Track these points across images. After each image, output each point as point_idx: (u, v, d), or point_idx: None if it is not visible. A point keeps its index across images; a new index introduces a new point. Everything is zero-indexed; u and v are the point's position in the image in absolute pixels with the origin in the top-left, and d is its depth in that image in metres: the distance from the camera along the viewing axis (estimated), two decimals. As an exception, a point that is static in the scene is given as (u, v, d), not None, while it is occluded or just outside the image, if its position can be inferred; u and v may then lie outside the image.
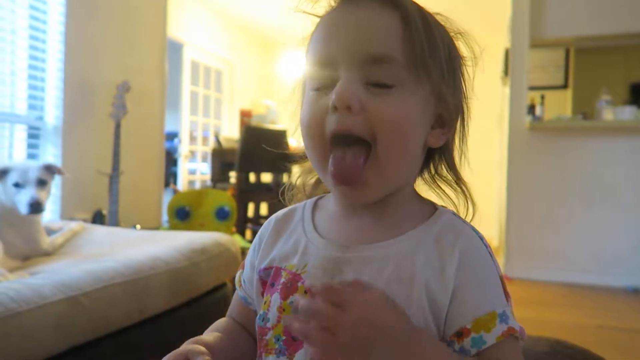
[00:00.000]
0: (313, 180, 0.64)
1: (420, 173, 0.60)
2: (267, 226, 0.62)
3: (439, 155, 0.58)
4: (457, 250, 0.50)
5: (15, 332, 1.10)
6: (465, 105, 0.56)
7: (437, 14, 0.55)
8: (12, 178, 1.61)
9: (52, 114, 2.67)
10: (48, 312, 1.18)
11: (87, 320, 1.29)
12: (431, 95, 0.52)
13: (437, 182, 0.60)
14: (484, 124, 5.20)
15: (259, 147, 3.69)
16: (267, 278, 0.57)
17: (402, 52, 0.49)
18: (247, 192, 3.69)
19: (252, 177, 3.96)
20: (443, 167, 0.59)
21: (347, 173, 0.49)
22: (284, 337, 0.52)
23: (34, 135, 2.63)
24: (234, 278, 0.65)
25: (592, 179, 3.44)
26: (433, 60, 0.51)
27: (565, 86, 4.44)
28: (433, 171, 0.60)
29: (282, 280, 0.54)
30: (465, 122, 0.57)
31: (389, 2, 0.50)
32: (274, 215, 0.63)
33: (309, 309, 0.41)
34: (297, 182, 0.64)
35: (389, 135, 0.48)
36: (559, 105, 4.17)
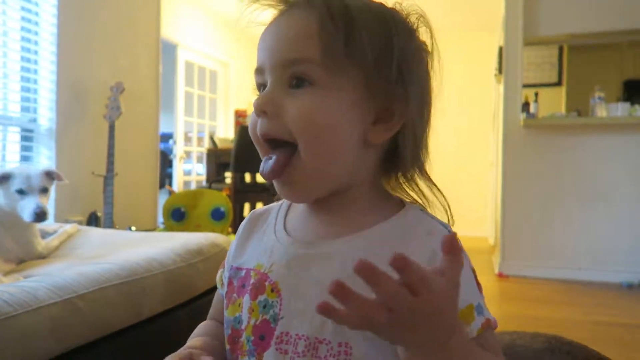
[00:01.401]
0: None
1: (388, 175, 0.57)
2: (243, 224, 0.62)
3: (398, 153, 0.55)
4: (428, 248, 0.49)
5: (10, 336, 1.09)
6: (418, 97, 0.53)
7: (398, 3, 0.54)
8: (16, 184, 1.60)
9: (46, 116, 2.66)
10: (43, 315, 1.17)
11: (82, 323, 1.28)
12: (364, 89, 0.50)
13: (402, 184, 0.57)
14: (478, 122, 5.23)
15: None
16: (235, 278, 0.57)
17: (318, 51, 0.49)
18: (242, 193, 3.69)
19: (247, 177, 3.95)
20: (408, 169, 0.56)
21: (268, 173, 0.51)
22: (252, 338, 0.52)
23: (27, 137, 2.62)
24: None
25: (587, 175, 3.46)
26: (356, 55, 0.50)
27: (559, 83, 4.46)
28: (400, 174, 0.57)
29: (252, 281, 0.54)
30: (425, 114, 0.54)
31: (308, 5, 0.51)
32: (251, 212, 0.64)
33: (384, 291, 0.37)
34: None
35: (304, 134, 0.49)
36: (553, 103, 4.19)
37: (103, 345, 1.35)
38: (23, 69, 2.58)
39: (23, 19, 2.56)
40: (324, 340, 0.48)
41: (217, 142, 4.67)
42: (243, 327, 0.53)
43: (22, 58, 2.57)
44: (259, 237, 0.59)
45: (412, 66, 0.52)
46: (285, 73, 0.51)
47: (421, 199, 0.56)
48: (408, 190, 0.57)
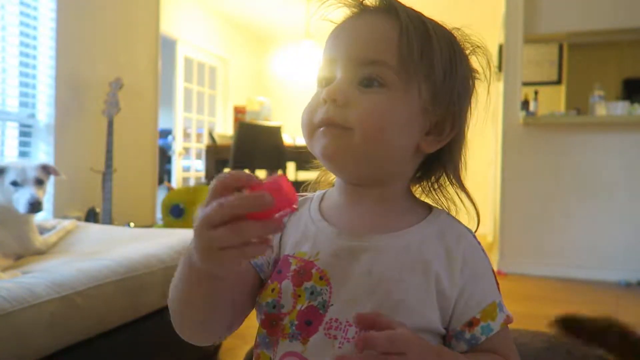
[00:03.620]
0: (332, 177, 0.67)
1: (419, 180, 0.63)
2: None
3: (439, 163, 0.61)
4: (461, 249, 0.56)
5: (9, 332, 1.09)
6: (465, 117, 0.59)
7: (456, 28, 0.59)
8: (10, 177, 1.60)
9: (44, 111, 2.65)
10: (42, 311, 1.17)
11: (81, 319, 1.28)
12: (429, 102, 0.55)
13: (435, 191, 0.63)
14: (478, 121, 5.23)
15: (253, 144, 3.69)
16: (273, 267, 0.59)
17: (395, 57, 0.53)
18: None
19: (246, 174, 3.95)
20: (444, 176, 0.62)
21: (325, 150, 0.54)
22: (297, 322, 0.54)
23: (25, 133, 2.61)
24: None
25: (586, 174, 3.46)
26: (427, 68, 0.54)
27: (558, 82, 4.46)
28: (433, 179, 0.63)
29: (293, 267, 0.56)
30: (463, 133, 0.60)
31: (391, 13, 0.55)
32: None
33: None
34: (321, 177, 0.67)
35: (363, 125, 0.52)
36: (553, 101, 4.19)
37: (101, 341, 1.35)
38: (22, 64, 2.57)
39: (22, 13, 2.55)
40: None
41: (216, 138, 4.66)
42: (285, 311, 0.55)
43: (21, 53, 2.56)
44: (294, 226, 0.60)
45: (468, 90, 0.59)
46: (359, 71, 0.54)
47: (447, 204, 0.62)
48: (438, 195, 0.62)
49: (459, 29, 0.60)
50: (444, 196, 0.62)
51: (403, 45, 0.53)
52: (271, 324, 0.56)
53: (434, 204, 0.62)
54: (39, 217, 1.92)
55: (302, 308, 0.54)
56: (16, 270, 1.46)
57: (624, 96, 3.78)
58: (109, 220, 2.56)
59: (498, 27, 4.30)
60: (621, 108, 3.39)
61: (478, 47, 0.60)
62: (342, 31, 0.57)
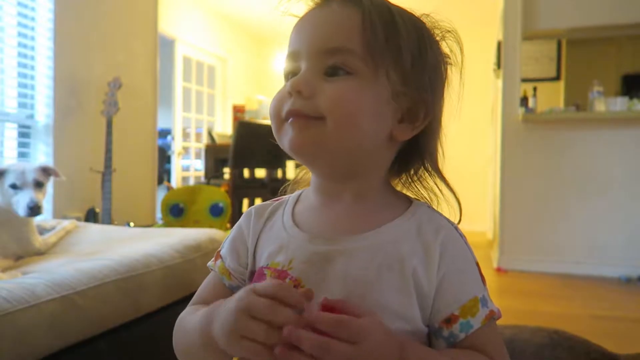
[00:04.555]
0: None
1: (399, 173, 0.61)
2: (247, 221, 0.62)
3: (416, 153, 0.59)
4: (439, 242, 0.53)
5: (9, 332, 1.09)
6: (439, 104, 0.57)
7: (425, 14, 0.58)
8: (9, 179, 1.60)
9: (43, 112, 2.65)
10: (42, 311, 1.17)
11: (81, 319, 1.28)
12: (398, 89, 0.53)
13: (415, 183, 0.61)
14: (476, 117, 5.23)
15: (252, 143, 3.68)
16: (249, 280, 0.58)
17: (359, 44, 0.52)
18: (241, 188, 3.68)
19: (246, 173, 3.95)
20: (422, 167, 0.60)
21: (293, 142, 0.53)
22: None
23: (24, 134, 2.60)
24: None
25: (585, 170, 3.46)
26: (394, 53, 0.53)
27: (557, 78, 4.45)
28: (412, 172, 0.61)
29: (268, 278, 0.54)
30: (439, 120, 0.58)
31: (353, 1, 0.54)
32: (254, 209, 0.63)
33: (322, 347, 0.43)
34: (300, 176, 0.65)
35: (336, 115, 0.51)
36: (552, 97, 4.19)
37: (102, 341, 1.35)
38: (20, 64, 2.56)
39: (19, 14, 2.54)
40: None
41: (216, 137, 4.66)
42: None
43: (19, 54, 2.56)
44: (267, 234, 0.59)
45: (439, 74, 0.57)
46: (323, 61, 0.53)
47: (428, 196, 0.60)
48: (418, 187, 0.61)
49: (428, 15, 0.58)
50: (425, 188, 0.60)
51: (367, 31, 0.52)
52: None
53: (415, 197, 0.60)
54: (39, 218, 1.92)
55: None
56: (16, 271, 1.46)
57: (623, 92, 3.78)
58: (108, 220, 2.56)
59: (496, 24, 4.29)
60: (620, 104, 3.39)
61: (448, 31, 0.58)
62: (304, 22, 0.56)
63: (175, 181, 5.07)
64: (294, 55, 0.55)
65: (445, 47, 0.59)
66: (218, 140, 4.64)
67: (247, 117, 4.83)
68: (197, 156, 5.47)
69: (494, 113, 4.71)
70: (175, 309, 1.61)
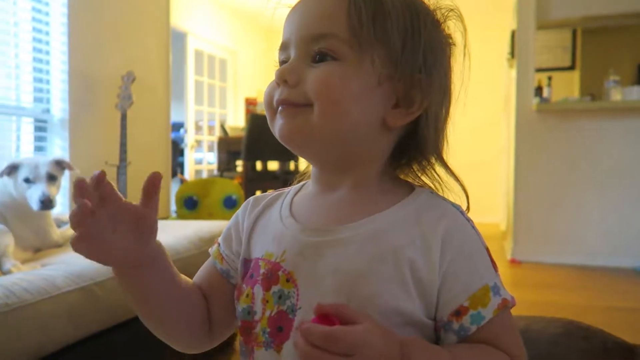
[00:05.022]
0: None
1: (409, 164, 0.58)
2: (244, 210, 0.61)
3: (416, 142, 0.55)
4: (441, 229, 0.50)
5: (30, 323, 1.12)
6: (439, 87, 0.54)
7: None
8: (23, 173, 1.62)
9: (58, 106, 2.68)
10: (61, 302, 1.20)
11: (99, 310, 1.30)
12: (389, 72, 0.51)
13: (425, 173, 0.57)
14: (489, 107, 5.18)
15: (265, 135, 3.69)
16: (245, 269, 0.57)
17: (345, 28, 0.50)
18: (254, 180, 3.71)
19: (258, 165, 3.97)
20: (423, 156, 0.57)
21: (282, 130, 0.52)
22: (269, 330, 0.51)
23: (40, 128, 2.64)
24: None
25: (601, 160, 3.42)
26: (382, 36, 0.51)
27: (572, 67, 4.40)
28: (416, 163, 0.58)
29: (262, 270, 0.53)
30: (446, 105, 0.55)
31: None
32: (252, 198, 0.62)
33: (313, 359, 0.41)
34: (307, 168, 0.63)
35: (321, 101, 0.50)
36: (567, 87, 4.14)
37: (119, 331, 1.38)
38: (35, 59, 2.59)
39: (33, 9, 2.57)
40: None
41: (228, 130, 4.68)
42: (256, 318, 0.53)
43: (34, 49, 2.58)
44: (263, 225, 0.58)
45: (437, 56, 0.53)
46: (309, 48, 0.52)
47: (433, 185, 0.57)
48: (421, 176, 0.57)
49: None
50: (430, 178, 0.57)
51: (352, 15, 0.50)
52: (246, 331, 0.54)
53: (420, 185, 0.57)
54: (56, 211, 1.95)
55: (272, 314, 0.51)
56: (35, 263, 1.49)
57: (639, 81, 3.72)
58: (124, 213, 2.59)
59: (510, 13, 4.24)
60: (637, 93, 3.33)
61: (451, 10, 0.55)
62: (293, 12, 0.55)
63: (189, 174, 5.11)
64: (284, 45, 0.55)
65: (449, 29, 0.56)
66: (230, 133, 4.66)
67: (259, 110, 4.84)
68: (210, 149, 5.50)
69: (507, 103, 4.67)
70: (190, 300, 1.63)
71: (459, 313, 0.48)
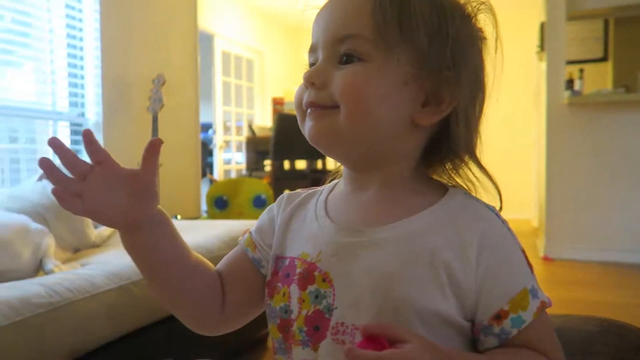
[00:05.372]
0: None
1: (441, 163, 0.57)
2: (279, 206, 0.62)
3: (451, 139, 0.54)
4: (477, 232, 0.50)
5: (71, 321, 1.16)
6: (470, 84, 0.53)
7: None
8: None
9: (93, 110, 2.76)
10: (101, 300, 1.24)
11: (137, 308, 1.34)
12: (416, 71, 0.51)
13: (452, 172, 0.57)
14: (519, 101, 5.09)
15: (292, 135, 3.72)
16: (279, 267, 0.57)
17: (370, 28, 0.50)
18: (282, 180, 3.74)
19: (286, 165, 4.00)
20: (456, 155, 0.56)
21: (309, 137, 0.54)
22: (305, 328, 0.52)
23: (76, 131, 2.73)
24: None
25: (635, 154, 3.32)
26: (407, 34, 0.50)
27: (604, 59, 4.28)
28: (449, 161, 0.57)
29: (298, 270, 0.54)
30: (478, 101, 0.54)
31: None
32: (287, 194, 0.63)
33: None
34: (339, 167, 0.63)
35: (346, 102, 0.50)
36: (599, 79, 4.03)
37: (156, 329, 1.42)
38: (70, 65, 2.67)
39: (67, 16, 2.65)
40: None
41: (256, 130, 4.73)
42: (293, 317, 0.53)
43: (69, 55, 2.67)
44: (299, 223, 0.58)
45: (466, 52, 0.52)
46: (336, 49, 0.52)
47: (466, 184, 0.56)
48: (453, 175, 0.56)
49: None
50: (462, 177, 0.56)
51: (377, 14, 0.50)
52: (284, 329, 0.55)
53: (453, 185, 0.56)
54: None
55: (309, 313, 0.52)
56: (75, 263, 1.55)
57: (677, 71, 3.59)
58: (156, 213, 2.65)
59: (539, 4, 4.15)
60: (674, 84, 3.23)
61: (482, 3, 0.54)
62: (320, 14, 0.55)
63: (218, 174, 5.18)
64: (313, 48, 0.55)
65: (481, 23, 0.55)
66: (258, 133, 4.71)
67: (286, 109, 4.88)
68: (238, 149, 5.56)
69: (537, 97, 4.58)
70: (223, 298, 1.66)
71: (499, 317, 0.48)
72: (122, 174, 0.51)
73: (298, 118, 0.56)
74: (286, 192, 0.63)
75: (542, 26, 3.66)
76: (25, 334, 1.05)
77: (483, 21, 0.55)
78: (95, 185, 0.50)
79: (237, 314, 0.60)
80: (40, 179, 1.71)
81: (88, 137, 0.50)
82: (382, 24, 0.50)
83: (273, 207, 0.63)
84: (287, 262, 0.56)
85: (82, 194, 0.49)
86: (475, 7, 0.55)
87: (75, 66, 2.69)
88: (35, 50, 2.55)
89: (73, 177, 0.49)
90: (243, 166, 5.31)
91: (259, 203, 2.72)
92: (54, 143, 0.48)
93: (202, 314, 0.59)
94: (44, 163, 0.48)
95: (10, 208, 1.58)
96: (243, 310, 0.60)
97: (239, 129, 5.53)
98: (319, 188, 0.62)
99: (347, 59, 0.51)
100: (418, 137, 0.54)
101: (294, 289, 0.54)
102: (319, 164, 3.99)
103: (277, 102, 4.93)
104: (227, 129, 5.38)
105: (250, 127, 4.75)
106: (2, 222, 1.45)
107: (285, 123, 3.66)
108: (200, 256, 0.59)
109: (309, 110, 0.53)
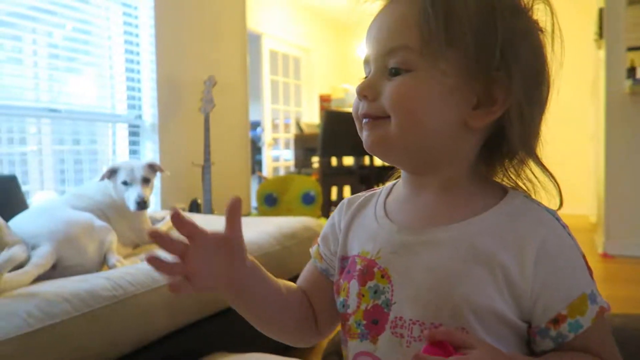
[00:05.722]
0: None
1: (501, 161, 0.57)
2: (340, 213, 0.65)
3: (508, 139, 0.54)
4: (537, 238, 0.50)
5: (134, 313, 1.23)
6: (529, 79, 0.52)
7: None
8: (121, 177, 1.78)
9: (149, 112, 2.88)
10: (161, 294, 1.30)
11: (195, 302, 1.40)
12: (465, 75, 0.51)
13: (510, 172, 0.57)
14: (575, 92, 4.88)
15: (339, 131, 3.73)
16: (344, 267, 0.60)
17: (416, 38, 0.51)
18: (330, 176, 3.76)
19: (334, 161, 4.02)
20: (513, 155, 0.56)
21: (367, 146, 0.56)
22: (364, 322, 0.54)
23: (134, 132, 2.85)
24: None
25: None
26: (456, 41, 0.50)
27: (670, 44, 4.03)
28: (507, 160, 0.57)
29: (358, 267, 0.56)
30: (535, 97, 0.53)
31: None
32: (347, 200, 0.66)
33: None
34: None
35: (396, 113, 0.52)
36: (664, 66, 3.80)
37: (211, 322, 1.47)
38: (127, 69, 2.80)
39: (125, 23, 2.78)
40: (440, 326, 0.49)
41: (303, 127, 4.77)
42: (350, 311, 0.56)
43: (126, 60, 2.80)
44: (359, 224, 0.61)
45: (518, 48, 0.51)
46: (385, 62, 0.53)
47: (525, 185, 0.56)
48: (512, 175, 0.57)
49: None
50: (520, 177, 0.56)
51: (422, 24, 0.51)
52: (343, 323, 0.58)
53: (512, 186, 0.57)
54: (150, 210, 2.11)
55: (368, 307, 0.54)
56: (135, 258, 1.63)
57: None
58: (209, 210, 2.74)
59: (597, -10, 3.96)
60: None
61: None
62: (370, 28, 0.57)
63: (266, 171, 5.27)
64: (366, 60, 0.57)
65: (538, 14, 0.54)
66: (306, 130, 4.76)
67: (333, 106, 4.90)
68: (286, 146, 5.64)
69: (595, 87, 4.38)
70: (275, 293, 1.70)
71: (557, 321, 0.49)
72: (213, 240, 0.53)
73: (357, 127, 0.58)
74: (346, 198, 0.66)
75: (601, 12, 3.50)
76: (93, 324, 1.12)
77: (542, 11, 0.54)
78: (196, 262, 0.51)
79: (327, 322, 0.64)
80: (102, 178, 1.80)
81: (177, 217, 0.50)
82: (428, 34, 0.50)
83: (334, 214, 0.66)
84: (349, 260, 0.59)
85: (188, 275, 0.51)
86: (527, 2, 0.54)
87: (132, 70, 2.82)
88: (95, 56, 2.69)
89: (176, 261, 0.51)
90: (291, 163, 5.37)
91: (308, 200, 2.76)
92: (154, 234, 0.50)
93: (301, 334, 0.64)
94: (153, 261, 0.50)
95: (75, 206, 1.68)
96: (331, 318, 0.63)
97: (286, 127, 5.60)
98: (377, 190, 0.64)
99: (395, 70, 0.52)
100: (473, 139, 0.54)
101: (353, 285, 0.56)
102: (367, 160, 3.98)
103: (324, 99, 4.96)
104: (275, 127, 5.46)
105: (298, 124, 4.80)
106: (70, 220, 1.54)
107: (332, 120, 3.67)
108: (283, 281, 0.64)
109: (364, 121, 0.55)
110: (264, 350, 1.35)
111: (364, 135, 0.56)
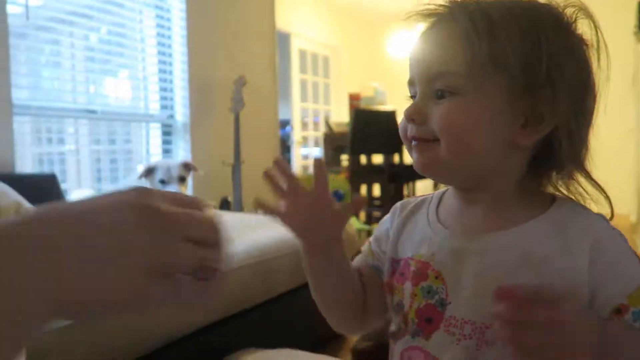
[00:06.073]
0: None
1: (548, 173, 0.58)
2: (393, 215, 0.68)
3: (556, 153, 0.55)
4: (588, 239, 0.52)
5: (165, 309, 1.25)
6: (576, 93, 0.53)
7: (543, 3, 0.54)
8: (158, 175, 1.83)
9: (181, 112, 2.94)
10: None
11: (220, 300, 1.42)
12: (510, 95, 0.52)
13: (558, 185, 0.58)
14: (615, 87, 4.72)
15: (368, 129, 3.72)
16: (395, 268, 0.63)
17: (461, 63, 0.52)
18: (359, 174, 3.75)
19: (363, 159, 4.00)
20: (560, 170, 0.57)
21: (417, 168, 0.58)
22: (417, 320, 0.57)
23: (166, 132, 2.92)
24: (356, 253, 0.72)
25: None
26: (501, 63, 0.51)
27: None
28: (554, 175, 0.58)
29: (412, 268, 0.59)
30: (582, 111, 0.54)
31: (452, 20, 0.54)
32: (399, 204, 0.68)
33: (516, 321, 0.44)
34: None
35: (445, 137, 0.53)
36: None
37: (237, 320, 1.49)
38: (160, 70, 2.87)
39: (157, 25, 2.84)
40: (491, 326, 0.49)
41: (333, 126, 4.77)
42: (405, 310, 0.59)
43: (159, 61, 2.86)
44: (412, 228, 0.64)
45: (562, 65, 0.52)
46: (431, 86, 0.55)
47: (575, 196, 0.57)
48: (562, 189, 0.58)
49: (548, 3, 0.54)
50: (569, 190, 0.57)
51: (467, 49, 0.52)
52: (394, 321, 0.61)
53: (560, 195, 0.58)
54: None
55: (421, 306, 0.57)
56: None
57: None
58: (239, 209, 2.78)
59: (636, -19, 3.82)
60: None
61: (580, 9, 0.54)
62: (414, 51, 0.58)
63: (296, 170, 5.30)
64: (411, 82, 0.59)
65: (582, 28, 0.54)
66: (335, 129, 4.76)
67: (362, 105, 4.87)
68: (316, 145, 5.65)
69: (635, 81, 4.23)
70: (304, 291, 1.71)
71: (619, 311, 0.50)
72: (309, 197, 0.59)
73: (406, 146, 0.60)
74: (399, 202, 0.69)
75: (640, 4, 3.37)
76: (125, 319, 1.15)
77: (586, 24, 0.54)
78: (303, 205, 0.59)
79: (372, 316, 0.67)
80: (140, 177, 1.85)
81: (318, 165, 0.59)
82: (472, 58, 0.52)
83: (388, 217, 0.69)
84: (401, 263, 0.62)
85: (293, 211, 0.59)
86: (572, 13, 0.54)
87: (164, 72, 2.88)
88: (128, 58, 2.76)
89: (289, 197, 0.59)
90: (321, 161, 5.37)
91: (337, 198, 2.76)
92: (278, 164, 0.60)
93: (351, 319, 0.66)
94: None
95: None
96: (376, 313, 0.66)
97: (316, 125, 5.61)
98: (427, 196, 0.67)
99: (442, 94, 0.54)
100: (521, 155, 0.56)
101: (407, 285, 0.59)
102: (396, 158, 3.96)
103: (354, 98, 4.94)
104: (304, 125, 5.48)
105: (327, 122, 4.80)
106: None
107: (361, 118, 3.66)
108: (350, 263, 0.67)
109: (413, 143, 0.57)
110: (292, 346, 1.36)
111: (414, 156, 0.58)
